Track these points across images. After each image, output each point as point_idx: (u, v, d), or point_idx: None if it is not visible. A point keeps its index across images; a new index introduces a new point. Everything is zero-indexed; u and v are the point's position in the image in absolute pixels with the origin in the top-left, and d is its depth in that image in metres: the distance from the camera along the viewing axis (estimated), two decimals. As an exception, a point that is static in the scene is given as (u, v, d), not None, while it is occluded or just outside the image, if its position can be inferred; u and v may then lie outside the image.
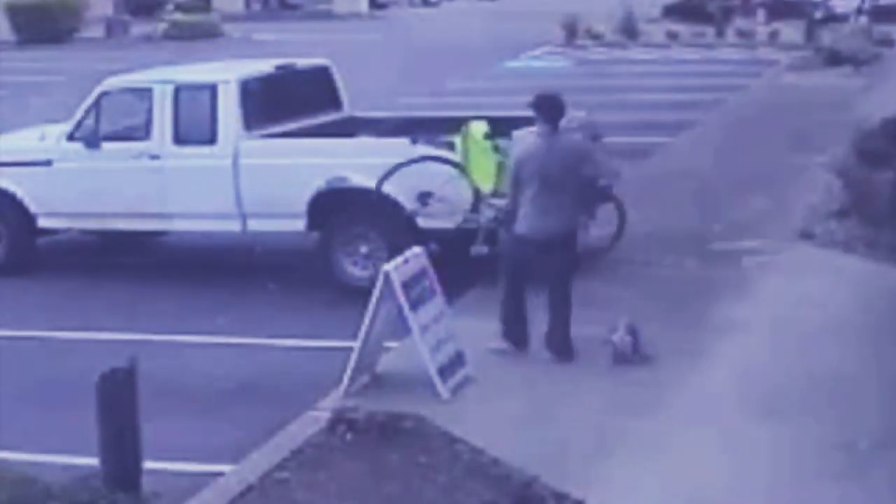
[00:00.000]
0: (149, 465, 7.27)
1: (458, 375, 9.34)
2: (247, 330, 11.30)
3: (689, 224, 14.29)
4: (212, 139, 12.60)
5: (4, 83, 29.15)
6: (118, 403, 7.11)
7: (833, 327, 10.48)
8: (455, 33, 44.56)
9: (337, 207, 12.17)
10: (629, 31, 39.21)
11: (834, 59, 29.75)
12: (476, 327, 10.29)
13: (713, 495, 7.58)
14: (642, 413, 8.76)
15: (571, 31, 39.02)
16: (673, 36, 38.33)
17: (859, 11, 38.50)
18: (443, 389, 9.08)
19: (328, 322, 11.17)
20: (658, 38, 38.60)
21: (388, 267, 9.10)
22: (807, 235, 13.46)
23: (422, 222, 11.81)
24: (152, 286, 13.09)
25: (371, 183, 11.85)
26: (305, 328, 11.25)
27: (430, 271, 9.50)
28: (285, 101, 13.40)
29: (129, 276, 13.55)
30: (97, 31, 46.09)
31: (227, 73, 13.15)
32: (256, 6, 61.59)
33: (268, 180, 12.36)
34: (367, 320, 9.10)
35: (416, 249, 9.58)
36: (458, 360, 9.41)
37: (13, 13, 44.11)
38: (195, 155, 12.62)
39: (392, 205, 11.92)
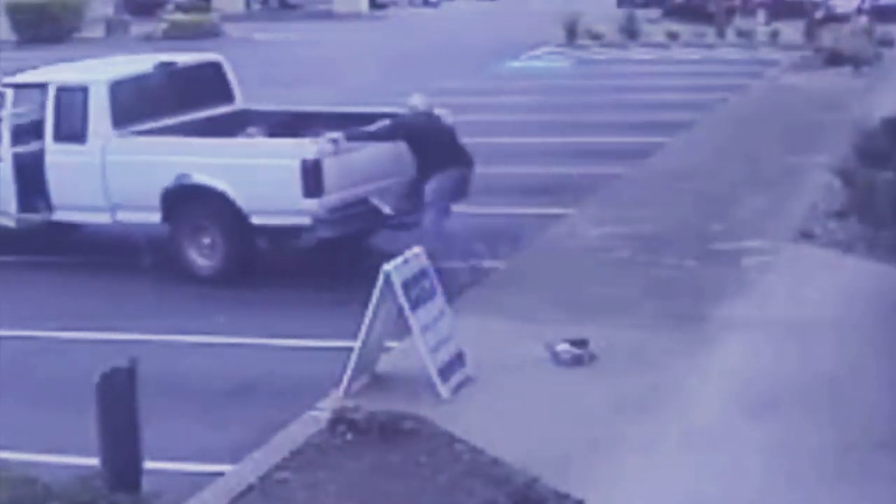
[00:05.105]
0: (149, 465, 7.27)
1: (458, 375, 9.34)
2: (247, 330, 11.30)
3: (689, 224, 14.29)
4: (84, 137, 13.43)
5: (4, 83, 29.13)
6: (118, 403, 7.11)
7: (833, 327, 10.48)
8: (455, 33, 44.54)
9: (183, 202, 12.99)
10: (629, 31, 39.19)
11: (834, 59, 29.72)
12: (476, 327, 10.30)
13: (712, 495, 7.58)
14: (642, 413, 8.76)
15: (572, 31, 38.97)
16: (673, 36, 38.29)
17: (859, 11, 38.46)
18: (443, 389, 9.08)
19: (328, 322, 11.16)
20: (658, 38, 38.55)
21: (388, 267, 9.10)
22: (807, 235, 13.46)
23: (255, 219, 12.59)
24: (152, 286, 13.08)
25: (213, 181, 12.65)
26: (305, 328, 11.25)
27: (431, 271, 9.50)
28: (165, 97, 14.11)
29: (128, 276, 13.55)
30: (97, 31, 46.06)
31: (101, 74, 14.05)
32: (256, 6, 61.50)
33: (129, 176, 13.23)
34: (367, 320, 9.10)
35: (416, 249, 9.58)
36: (458, 360, 9.41)
37: (13, 13, 44.09)
38: (70, 152, 13.45)
39: (227, 202, 12.68)
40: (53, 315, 12.06)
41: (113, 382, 7.12)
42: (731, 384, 9.31)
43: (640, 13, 41.31)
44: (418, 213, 12.78)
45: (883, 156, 15.14)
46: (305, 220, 12.43)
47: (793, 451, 8.10)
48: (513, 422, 8.67)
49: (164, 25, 46.25)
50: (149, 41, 43.94)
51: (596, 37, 39.02)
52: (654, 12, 45.10)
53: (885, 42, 32.71)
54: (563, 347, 9.80)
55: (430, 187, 12.50)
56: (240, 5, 58.55)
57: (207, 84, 14.57)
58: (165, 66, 14.34)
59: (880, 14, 36.98)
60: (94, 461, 7.18)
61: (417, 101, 12.97)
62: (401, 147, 12.77)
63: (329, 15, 55.78)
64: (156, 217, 13.11)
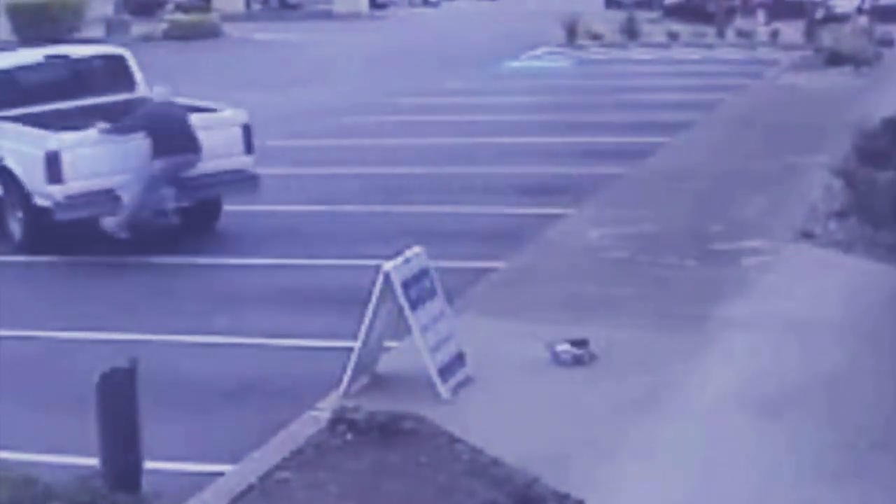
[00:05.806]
0: (149, 465, 7.27)
1: (459, 375, 9.34)
2: (247, 330, 11.30)
3: (690, 224, 14.30)
4: None
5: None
6: (118, 403, 7.11)
7: (832, 327, 10.49)
8: (455, 33, 44.58)
9: (4, 179, 14.60)
10: (629, 31, 39.21)
11: (834, 59, 29.76)
12: (476, 327, 10.30)
13: (712, 495, 7.59)
14: (642, 413, 8.76)
15: (571, 31, 38.99)
16: (673, 36, 38.32)
17: (859, 11, 38.51)
18: (443, 389, 9.08)
19: (328, 322, 11.17)
20: (658, 38, 38.59)
21: (388, 267, 9.10)
22: (807, 235, 13.46)
23: (36, 200, 14.09)
24: (152, 286, 13.09)
25: (11, 164, 14.27)
26: (305, 328, 11.25)
27: (431, 271, 9.50)
28: (53, 85, 15.56)
29: (128, 276, 13.56)
30: (97, 31, 46.06)
31: None
32: (256, 6, 61.56)
33: None
34: (367, 320, 9.10)
35: (416, 249, 9.58)
36: (458, 360, 9.41)
37: (13, 13, 44.10)
38: None
39: (19, 182, 14.27)
40: (53, 315, 12.06)
41: (113, 382, 7.12)
42: (731, 384, 9.31)
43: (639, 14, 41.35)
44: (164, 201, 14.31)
45: (883, 156, 15.16)
46: (49, 203, 13.91)
47: (792, 451, 8.10)
48: (513, 422, 8.67)
49: (164, 25, 46.30)
50: (149, 41, 43.99)
51: (596, 37, 39.04)
52: (648, 14, 45.10)
53: (885, 42, 32.76)
54: (563, 347, 9.80)
55: (158, 164, 14.06)
56: (240, 5, 58.60)
57: (106, 74, 16.02)
58: (55, 58, 15.87)
59: (880, 14, 37.06)
60: (94, 461, 7.18)
61: (159, 90, 14.69)
62: (148, 141, 14.14)
63: (329, 15, 55.85)
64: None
